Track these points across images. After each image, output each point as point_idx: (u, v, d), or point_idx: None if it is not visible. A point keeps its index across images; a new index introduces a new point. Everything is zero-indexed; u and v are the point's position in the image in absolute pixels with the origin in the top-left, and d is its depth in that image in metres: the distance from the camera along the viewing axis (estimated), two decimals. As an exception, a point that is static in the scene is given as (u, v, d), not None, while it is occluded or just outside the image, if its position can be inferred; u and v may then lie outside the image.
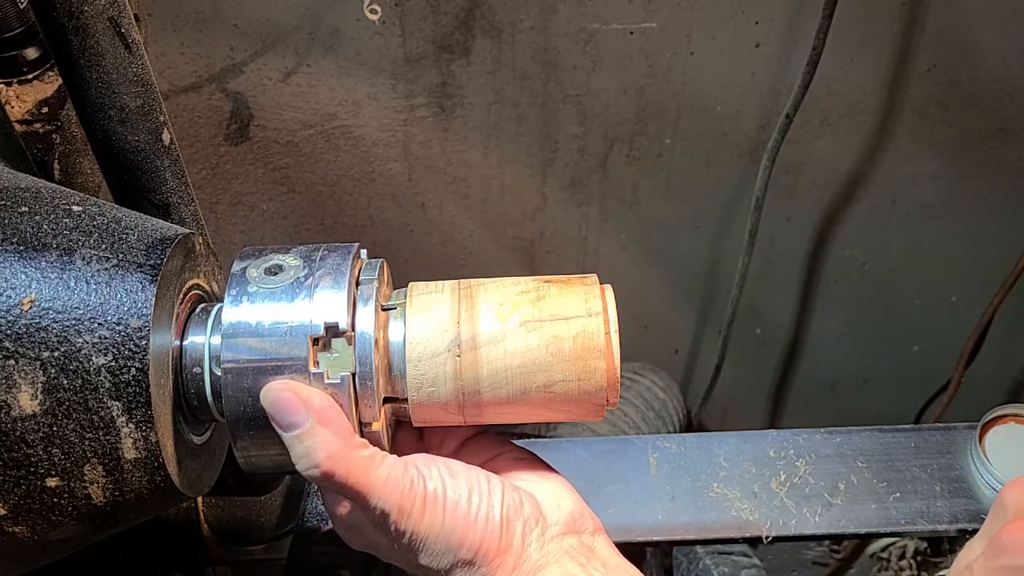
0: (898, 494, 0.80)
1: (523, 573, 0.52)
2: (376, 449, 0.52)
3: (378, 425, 0.52)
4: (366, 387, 0.51)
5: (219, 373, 0.51)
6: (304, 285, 0.52)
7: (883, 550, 1.29)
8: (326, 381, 0.51)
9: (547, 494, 0.56)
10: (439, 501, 0.52)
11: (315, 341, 0.51)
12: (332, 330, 0.51)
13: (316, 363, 0.51)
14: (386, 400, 0.54)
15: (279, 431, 0.50)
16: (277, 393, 0.50)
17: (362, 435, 0.52)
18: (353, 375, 0.51)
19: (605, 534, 0.57)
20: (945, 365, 1.28)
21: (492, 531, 0.52)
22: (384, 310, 0.55)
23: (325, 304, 0.51)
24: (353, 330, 0.52)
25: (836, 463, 0.82)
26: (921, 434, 0.84)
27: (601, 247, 1.30)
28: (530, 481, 0.56)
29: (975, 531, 0.78)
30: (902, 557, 1.27)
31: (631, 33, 1.09)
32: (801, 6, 1.07)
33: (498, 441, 0.61)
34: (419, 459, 0.53)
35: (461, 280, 0.56)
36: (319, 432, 0.50)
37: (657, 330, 1.43)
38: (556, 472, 0.58)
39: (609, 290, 0.55)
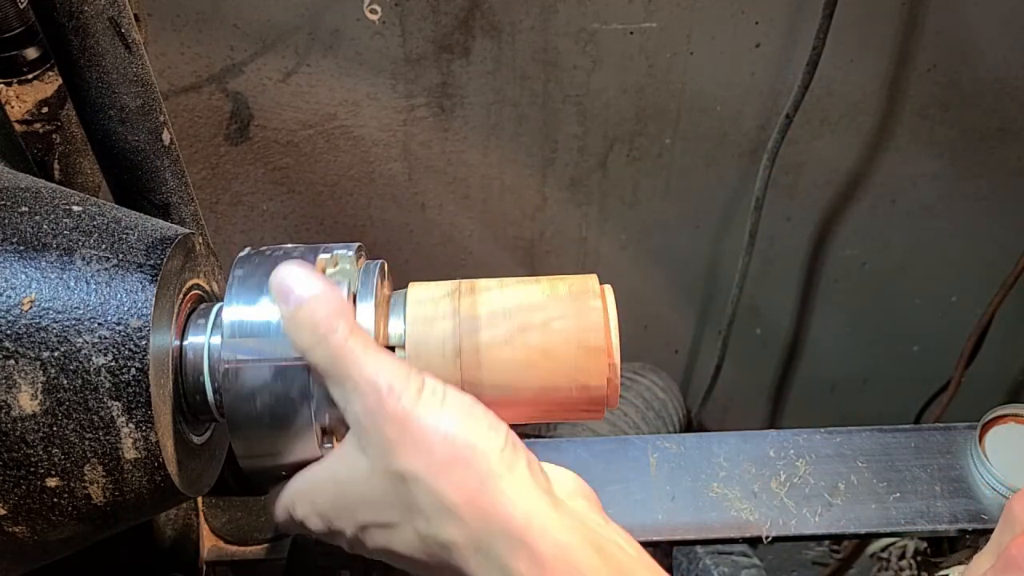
0: (898, 494, 0.80)
1: (529, 510, 0.44)
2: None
3: None
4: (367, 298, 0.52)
5: (219, 373, 0.51)
6: None
7: (883, 550, 1.29)
8: None
9: (552, 468, 0.51)
10: (438, 393, 0.46)
11: (323, 269, 0.52)
12: (340, 257, 0.53)
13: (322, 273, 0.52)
14: None
15: (283, 308, 0.48)
16: (287, 267, 0.49)
17: None
18: (355, 295, 0.52)
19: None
20: (945, 365, 1.28)
21: (495, 441, 0.45)
22: (384, 301, 0.55)
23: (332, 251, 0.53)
24: (355, 304, 0.52)
25: (836, 463, 0.82)
26: (921, 434, 0.84)
27: (601, 247, 1.30)
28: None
29: (975, 531, 0.78)
30: (902, 557, 1.27)
31: (631, 33, 1.09)
32: (801, 6, 1.07)
33: None
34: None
35: (463, 280, 0.56)
36: (327, 294, 0.48)
37: (657, 330, 1.43)
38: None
39: (609, 290, 0.55)
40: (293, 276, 0.49)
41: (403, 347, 0.53)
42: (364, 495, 0.48)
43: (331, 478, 0.50)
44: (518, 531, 0.44)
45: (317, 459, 0.52)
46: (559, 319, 0.53)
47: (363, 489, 0.48)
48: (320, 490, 0.51)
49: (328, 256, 0.53)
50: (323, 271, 0.53)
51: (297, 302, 0.48)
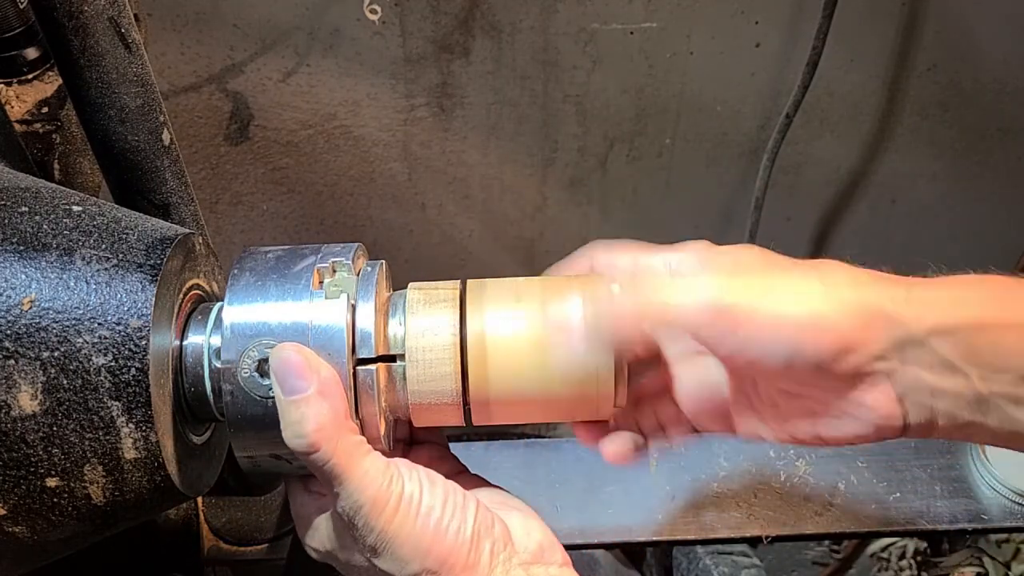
0: (898, 494, 0.80)
1: None
2: (363, 439, 0.51)
3: (372, 365, 0.52)
4: (364, 327, 0.52)
5: (219, 373, 0.51)
6: (304, 281, 0.52)
7: (883, 550, 1.29)
8: (326, 298, 0.51)
9: (517, 521, 0.55)
10: (414, 504, 0.51)
11: (320, 280, 0.53)
12: (337, 264, 0.53)
13: (319, 284, 0.52)
14: (381, 359, 0.54)
15: (278, 393, 0.50)
16: (288, 354, 0.50)
17: (355, 375, 0.52)
18: (354, 306, 0.52)
19: (572, 569, 0.55)
20: (945, 365, 1.28)
21: (462, 544, 0.51)
22: (384, 300, 0.55)
23: (330, 258, 0.53)
24: (355, 300, 0.52)
25: (836, 463, 0.82)
26: (921, 434, 0.84)
27: (601, 247, 1.30)
28: (500, 507, 0.56)
29: (975, 531, 0.78)
30: (902, 557, 1.27)
31: (631, 33, 1.09)
32: (801, 6, 1.07)
33: (447, 455, 0.60)
34: (401, 462, 0.53)
35: (468, 280, 0.56)
36: (316, 402, 0.49)
37: (657, 330, 1.43)
38: (523, 502, 0.58)
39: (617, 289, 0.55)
40: (291, 364, 0.50)
41: (403, 355, 0.53)
42: (353, 563, 0.54)
43: (328, 534, 0.55)
44: None
45: None
46: (569, 383, 0.53)
47: (351, 558, 0.54)
48: (319, 534, 0.55)
49: (326, 266, 0.53)
50: (320, 282, 0.53)
51: (290, 393, 0.50)
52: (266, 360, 0.50)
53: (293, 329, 0.51)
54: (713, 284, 0.52)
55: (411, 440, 0.62)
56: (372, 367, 0.52)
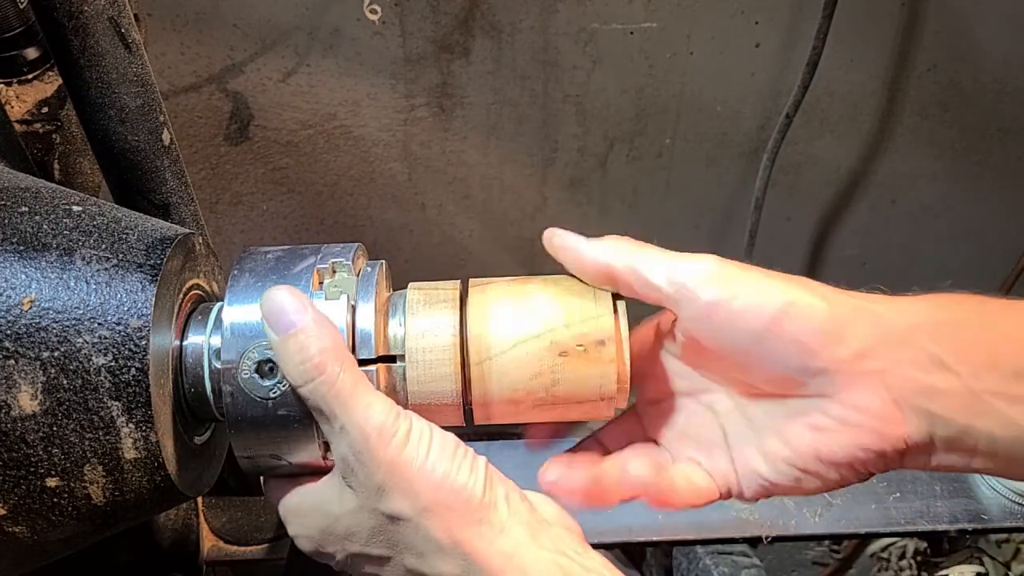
0: (898, 494, 0.80)
1: (508, 548, 0.47)
2: (364, 374, 0.50)
3: (372, 366, 0.52)
4: (364, 329, 0.52)
5: (219, 373, 0.51)
6: (304, 282, 0.52)
7: (883, 550, 1.29)
8: (326, 299, 0.51)
9: (532, 496, 0.53)
10: (424, 438, 0.48)
11: (320, 281, 0.52)
12: (337, 265, 0.52)
13: (319, 285, 0.52)
14: (381, 359, 0.53)
15: (272, 335, 0.49)
16: (280, 294, 0.49)
17: None
18: (353, 306, 0.52)
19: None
20: (945, 365, 1.28)
21: (476, 482, 0.48)
22: (385, 300, 0.55)
23: (329, 258, 0.53)
24: (355, 300, 0.52)
25: (836, 463, 0.82)
26: (921, 434, 0.84)
27: (601, 247, 1.30)
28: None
29: (975, 531, 0.78)
30: (902, 557, 1.27)
31: (631, 33, 1.09)
32: (801, 6, 1.07)
33: None
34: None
35: (470, 280, 0.56)
36: (315, 330, 0.48)
37: (657, 330, 1.43)
38: None
39: (622, 305, 0.55)
40: (284, 302, 0.49)
41: (403, 356, 0.53)
42: (353, 529, 0.50)
43: (319, 507, 0.52)
44: (497, 571, 0.47)
45: (316, 459, 0.52)
46: (571, 383, 0.53)
47: (351, 523, 0.50)
48: (310, 515, 0.52)
49: (326, 266, 0.53)
50: (320, 283, 0.53)
51: (286, 329, 0.49)
52: (266, 361, 0.50)
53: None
54: (712, 258, 0.52)
55: None
56: (372, 368, 0.52)
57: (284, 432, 0.51)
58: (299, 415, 0.51)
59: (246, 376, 0.50)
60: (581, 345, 0.52)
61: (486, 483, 0.49)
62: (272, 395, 0.50)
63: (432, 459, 0.48)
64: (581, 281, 0.55)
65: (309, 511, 0.52)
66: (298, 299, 0.49)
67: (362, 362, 0.52)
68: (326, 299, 0.52)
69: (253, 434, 0.51)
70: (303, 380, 0.48)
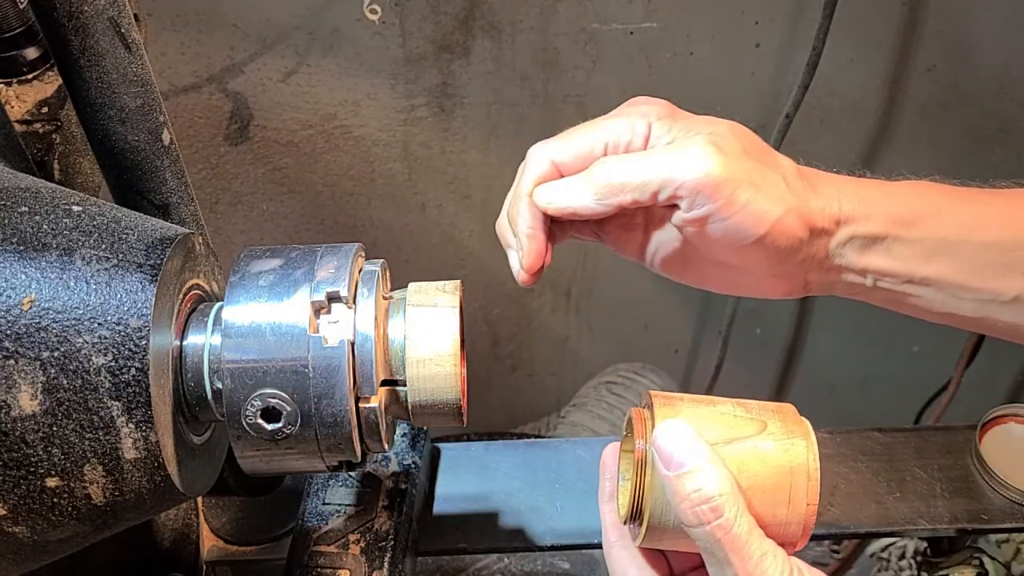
0: (898, 494, 0.79)
1: None
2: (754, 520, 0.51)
3: (376, 400, 0.52)
4: (364, 356, 0.51)
5: (219, 373, 0.51)
6: (304, 282, 0.52)
7: (883, 550, 1.29)
8: (324, 345, 0.50)
9: None
10: None
11: (316, 312, 0.51)
12: (333, 296, 0.51)
13: (316, 329, 0.51)
14: (384, 383, 0.53)
15: (663, 472, 0.50)
16: (673, 432, 0.50)
17: (358, 410, 0.51)
18: (352, 344, 0.51)
19: None
20: (945, 365, 1.28)
21: None
22: (385, 299, 0.55)
23: (326, 277, 0.52)
24: (354, 302, 0.52)
25: (836, 463, 0.82)
26: (921, 434, 0.84)
27: (601, 248, 1.30)
28: None
29: (975, 531, 0.78)
30: (902, 557, 1.27)
31: (631, 33, 1.09)
32: (801, 6, 1.07)
33: None
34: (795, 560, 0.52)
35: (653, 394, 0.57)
36: (712, 470, 0.49)
37: (657, 330, 1.43)
38: None
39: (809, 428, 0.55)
40: (679, 442, 0.50)
41: (404, 381, 0.53)
42: None
43: None
44: None
45: (320, 470, 0.53)
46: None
47: None
48: None
49: (320, 298, 0.51)
50: (318, 312, 0.51)
51: (678, 468, 0.49)
52: (270, 409, 0.50)
53: (293, 377, 0.50)
54: (717, 162, 0.57)
55: None
56: (374, 404, 0.52)
57: (290, 463, 0.52)
58: (307, 452, 0.51)
59: (251, 422, 0.50)
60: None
61: None
62: (278, 437, 0.50)
63: None
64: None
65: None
66: (692, 439, 0.50)
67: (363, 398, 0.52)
68: (325, 343, 0.51)
69: (258, 458, 0.52)
70: (697, 521, 0.49)
